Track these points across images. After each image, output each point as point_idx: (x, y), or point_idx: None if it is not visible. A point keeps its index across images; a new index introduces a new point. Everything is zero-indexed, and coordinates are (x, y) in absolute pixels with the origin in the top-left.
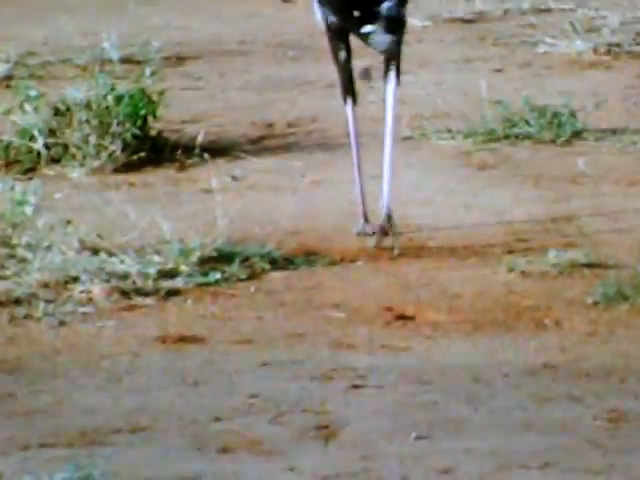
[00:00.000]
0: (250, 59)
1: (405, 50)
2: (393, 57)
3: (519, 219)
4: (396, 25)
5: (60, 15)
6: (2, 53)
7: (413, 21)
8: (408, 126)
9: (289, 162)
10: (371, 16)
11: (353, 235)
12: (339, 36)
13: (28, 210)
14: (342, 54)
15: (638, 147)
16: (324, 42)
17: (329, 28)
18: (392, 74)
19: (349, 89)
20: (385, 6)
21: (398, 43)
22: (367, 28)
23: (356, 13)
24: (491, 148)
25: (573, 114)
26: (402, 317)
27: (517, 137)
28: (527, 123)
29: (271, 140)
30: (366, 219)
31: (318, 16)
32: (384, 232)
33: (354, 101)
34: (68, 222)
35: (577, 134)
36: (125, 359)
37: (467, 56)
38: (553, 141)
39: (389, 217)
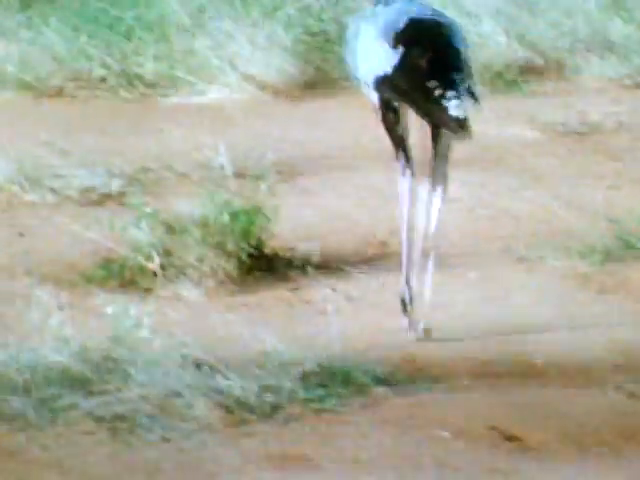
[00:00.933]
0: (364, 173)
1: (519, 164)
2: (441, 166)
3: (628, 339)
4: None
5: (174, 128)
6: (116, 168)
7: (526, 134)
8: (524, 245)
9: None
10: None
11: (458, 352)
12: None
13: (144, 332)
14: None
15: None
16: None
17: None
18: (439, 187)
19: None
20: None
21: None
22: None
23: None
24: (608, 270)
25: None
26: (508, 438)
27: (635, 258)
28: None
29: (385, 259)
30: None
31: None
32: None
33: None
34: (184, 345)
35: None
36: (230, 477)
37: (582, 171)
38: None
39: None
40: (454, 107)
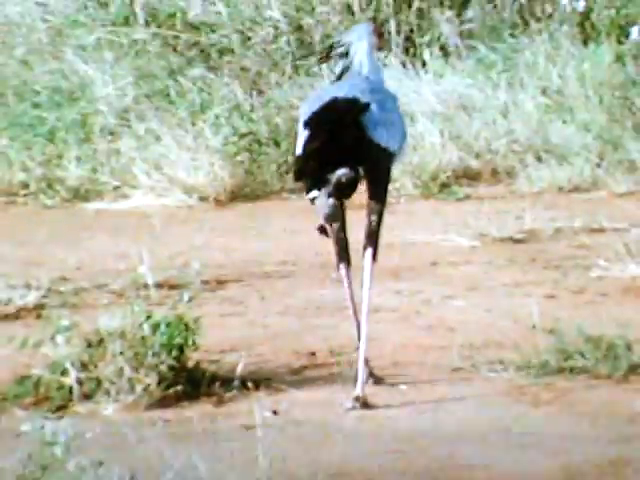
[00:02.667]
0: (292, 281)
1: (453, 272)
2: (371, 234)
3: (574, 461)
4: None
5: (96, 236)
6: (33, 280)
7: (460, 240)
8: (458, 356)
9: (333, 395)
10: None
11: (388, 464)
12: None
13: (58, 451)
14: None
15: None
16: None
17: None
18: (369, 253)
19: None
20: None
21: (378, 221)
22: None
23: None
24: (545, 382)
25: (629, 347)
26: None
27: (572, 370)
28: (582, 355)
29: (314, 370)
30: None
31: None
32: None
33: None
34: (100, 463)
35: (634, 368)
36: None
37: (517, 279)
38: (609, 376)
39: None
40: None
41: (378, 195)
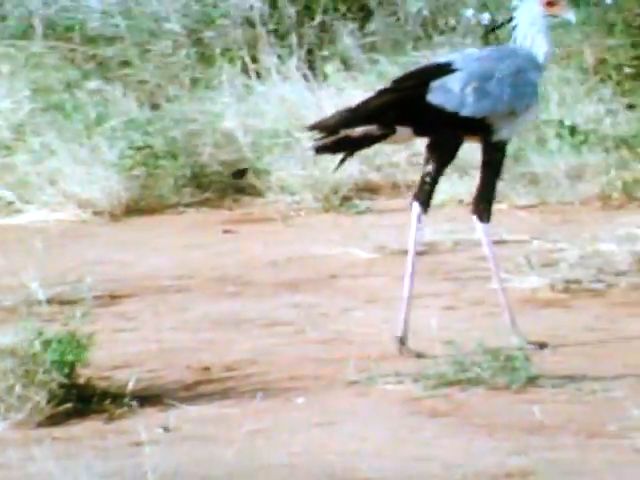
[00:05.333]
0: (187, 295)
1: (351, 284)
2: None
3: (471, 472)
4: None
5: None
6: None
7: (360, 253)
8: (355, 369)
9: (226, 410)
10: None
11: None
12: None
13: None
14: None
15: (598, 396)
16: (265, 276)
17: None
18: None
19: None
20: None
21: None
22: None
23: None
24: (442, 394)
25: (528, 358)
26: None
27: (469, 382)
28: (479, 367)
29: (207, 385)
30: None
31: None
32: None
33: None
34: None
35: (532, 380)
36: None
37: (416, 291)
38: (507, 387)
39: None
40: None
41: (437, 156)
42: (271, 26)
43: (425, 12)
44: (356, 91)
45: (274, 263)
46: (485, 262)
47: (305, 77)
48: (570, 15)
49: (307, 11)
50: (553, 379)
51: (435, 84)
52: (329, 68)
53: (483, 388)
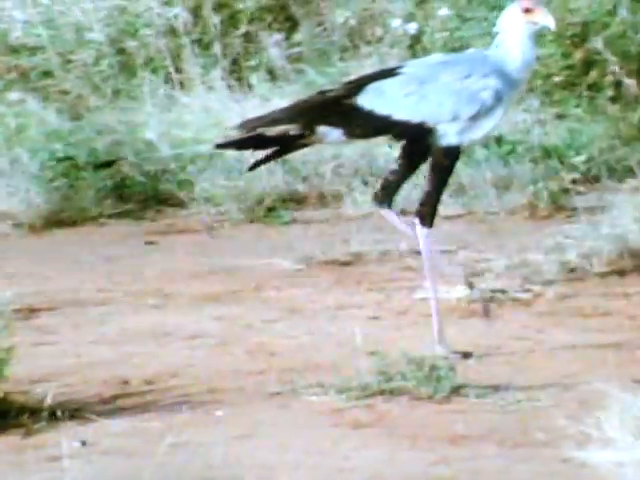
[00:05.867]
0: (107, 308)
1: (275, 296)
2: None
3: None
4: None
5: None
6: None
7: (285, 264)
8: (277, 381)
9: (146, 423)
10: None
11: None
12: None
13: None
14: None
15: (522, 406)
16: (187, 288)
17: None
18: None
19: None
20: None
21: None
22: None
23: None
24: (365, 404)
25: (452, 368)
26: None
27: (393, 392)
28: (403, 377)
29: (126, 399)
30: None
31: None
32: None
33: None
34: None
35: (457, 389)
36: None
37: (342, 302)
38: (431, 397)
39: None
40: None
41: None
42: (195, 36)
43: (352, 22)
44: (282, 101)
45: (196, 275)
46: (411, 272)
47: (230, 87)
48: (549, 21)
49: (232, 21)
50: (477, 389)
51: (370, 87)
52: (254, 78)
53: (407, 398)
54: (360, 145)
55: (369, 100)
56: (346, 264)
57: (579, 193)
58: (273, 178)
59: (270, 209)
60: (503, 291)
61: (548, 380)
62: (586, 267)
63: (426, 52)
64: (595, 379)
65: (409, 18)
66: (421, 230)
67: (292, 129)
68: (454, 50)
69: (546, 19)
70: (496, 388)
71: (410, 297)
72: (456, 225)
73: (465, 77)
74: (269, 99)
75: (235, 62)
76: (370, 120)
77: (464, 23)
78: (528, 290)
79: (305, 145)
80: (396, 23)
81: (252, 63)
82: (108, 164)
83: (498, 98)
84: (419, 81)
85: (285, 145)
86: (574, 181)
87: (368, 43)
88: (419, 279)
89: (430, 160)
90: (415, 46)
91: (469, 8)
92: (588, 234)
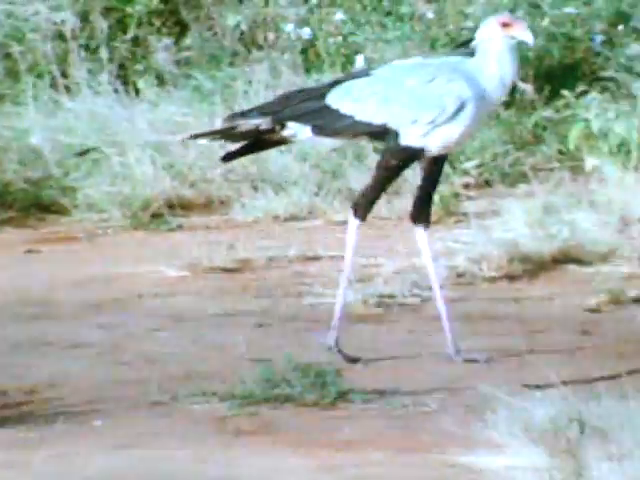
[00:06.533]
0: None
1: (158, 304)
2: None
3: None
4: None
5: None
6: None
7: (169, 271)
8: (159, 390)
9: (23, 434)
10: None
11: None
12: None
13: None
14: None
15: (409, 411)
16: (68, 296)
17: None
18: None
19: None
20: None
21: None
22: None
23: None
24: (250, 412)
25: (339, 373)
26: None
27: (278, 399)
28: (289, 384)
29: (4, 410)
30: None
31: None
32: None
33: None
34: None
35: (343, 395)
36: None
37: (227, 309)
38: (317, 403)
39: None
40: None
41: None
42: (82, 40)
43: (243, 27)
44: (170, 107)
45: (78, 283)
46: (299, 278)
47: (116, 92)
48: (527, 36)
49: (121, 25)
50: (364, 394)
51: (340, 86)
52: (142, 83)
53: (292, 405)
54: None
55: (336, 99)
56: (232, 271)
57: (470, 198)
58: (159, 183)
59: (155, 215)
60: (392, 296)
61: (435, 385)
62: (476, 272)
63: (319, 57)
64: (484, 384)
65: (302, 23)
66: (353, 220)
67: (263, 123)
68: (346, 56)
69: (524, 34)
70: (383, 393)
71: (298, 303)
72: (345, 230)
73: (429, 81)
74: (157, 104)
75: (122, 67)
76: (336, 119)
77: (359, 28)
78: (417, 295)
79: (279, 142)
80: (289, 28)
81: (140, 68)
82: (84, 152)
83: (462, 105)
84: (384, 83)
85: (258, 140)
86: (465, 186)
87: (260, 48)
88: (308, 285)
89: (380, 156)
90: (308, 51)
91: (363, 13)
92: (478, 239)
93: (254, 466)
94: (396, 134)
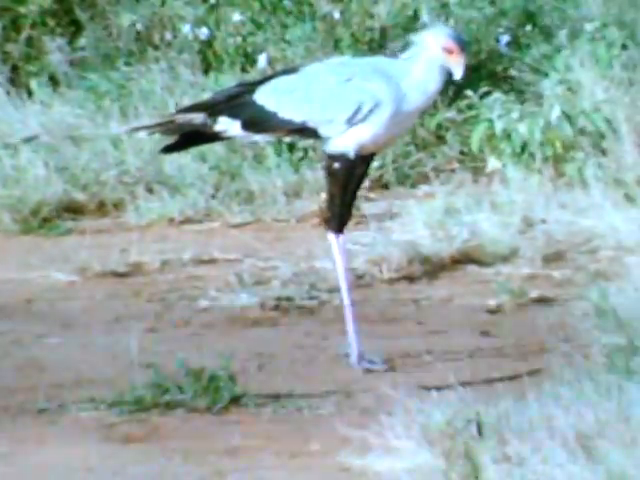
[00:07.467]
0: None
1: (47, 309)
2: None
3: None
4: None
5: None
6: None
7: (59, 276)
8: (46, 396)
9: None
10: None
11: None
12: None
13: None
14: None
15: (304, 414)
16: None
17: None
18: None
19: None
20: None
21: None
22: None
23: None
24: (138, 419)
25: (232, 378)
26: None
27: (168, 405)
28: (180, 389)
29: None
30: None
31: None
32: None
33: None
34: None
35: (236, 400)
36: None
37: (118, 314)
38: (209, 408)
39: None
40: None
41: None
42: None
43: (139, 26)
44: (64, 108)
45: None
46: (193, 282)
47: (8, 94)
48: (457, 72)
49: (14, 25)
50: (258, 398)
51: (269, 82)
52: (34, 84)
53: (183, 411)
54: (147, 151)
55: (263, 95)
56: (124, 275)
57: (369, 200)
58: (51, 187)
59: (46, 219)
60: (289, 299)
61: (331, 388)
62: (375, 273)
63: (217, 58)
64: (381, 385)
65: (200, 23)
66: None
67: (197, 118)
68: (247, 56)
69: (456, 67)
70: (277, 397)
71: (192, 307)
72: (244, 233)
73: (346, 80)
74: (50, 105)
75: (15, 68)
76: (262, 115)
77: (258, 28)
78: (314, 298)
79: (218, 138)
80: (186, 28)
81: (32, 68)
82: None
83: (376, 105)
84: (307, 81)
85: (196, 134)
86: (365, 187)
87: (156, 48)
88: (202, 288)
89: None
90: (206, 51)
91: (262, 13)
92: (377, 240)
93: (140, 474)
94: (317, 133)
